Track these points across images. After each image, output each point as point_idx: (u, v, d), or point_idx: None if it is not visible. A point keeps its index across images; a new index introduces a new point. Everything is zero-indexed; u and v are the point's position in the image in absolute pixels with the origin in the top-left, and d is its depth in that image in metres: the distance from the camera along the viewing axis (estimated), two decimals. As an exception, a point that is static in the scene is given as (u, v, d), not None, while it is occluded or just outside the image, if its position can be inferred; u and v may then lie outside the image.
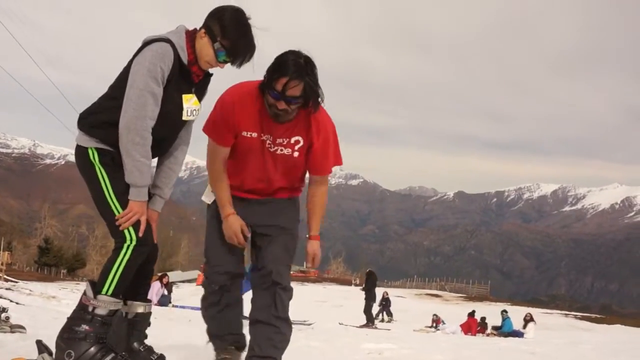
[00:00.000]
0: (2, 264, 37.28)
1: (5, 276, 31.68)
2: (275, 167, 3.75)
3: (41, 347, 3.09)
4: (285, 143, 3.69)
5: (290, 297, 3.86)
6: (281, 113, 3.51)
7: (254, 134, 3.67)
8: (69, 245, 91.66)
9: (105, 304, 3.11)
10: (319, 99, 3.57)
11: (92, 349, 3.05)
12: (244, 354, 3.87)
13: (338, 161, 3.91)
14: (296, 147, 3.71)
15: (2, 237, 64.34)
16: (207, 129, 3.77)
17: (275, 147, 3.70)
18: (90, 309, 3.10)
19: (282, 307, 3.78)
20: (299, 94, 3.44)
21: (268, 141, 3.69)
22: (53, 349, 3.12)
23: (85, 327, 3.07)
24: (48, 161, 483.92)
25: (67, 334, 3.08)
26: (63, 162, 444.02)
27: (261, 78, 3.54)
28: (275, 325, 3.77)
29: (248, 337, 3.92)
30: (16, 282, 24.27)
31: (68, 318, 3.17)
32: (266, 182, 3.81)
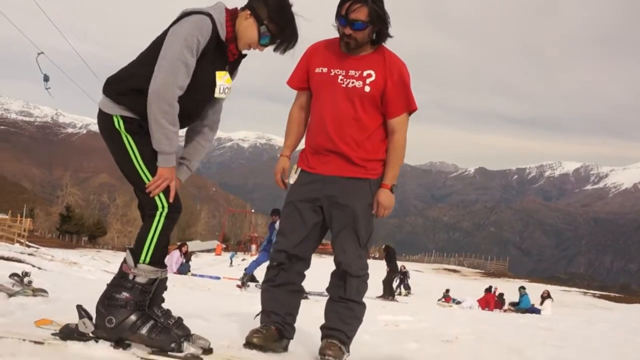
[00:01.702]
0: (24, 231, 37.81)
1: (27, 242, 32.11)
2: (345, 104, 3.73)
3: (81, 312, 3.12)
4: (357, 75, 3.72)
5: (361, 283, 3.90)
6: (351, 42, 3.63)
7: (324, 69, 3.78)
8: (90, 213, 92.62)
9: (145, 272, 3.15)
10: (386, 30, 3.66)
11: (133, 316, 3.10)
12: (286, 342, 3.90)
13: (412, 106, 3.86)
14: (367, 81, 3.71)
15: (24, 205, 65.21)
16: (288, 80, 3.98)
17: (347, 81, 3.72)
18: (130, 277, 3.14)
19: (351, 290, 3.84)
20: (363, 18, 3.53)
21: (340, 76, 3.74)
22: (93, 314, 3.16)
23: (125, 294, 3.11)
24: (70, 130, 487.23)
25: (108, 301, 3.12)
26: (85, 132, 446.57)
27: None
28: (343, 302, 3.87)
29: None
30: (38, 248, 24.60)
31: (108, 285, 3.22)
32: (334, 132, 3.75)
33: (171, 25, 3.24)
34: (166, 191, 3.20)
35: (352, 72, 3.73)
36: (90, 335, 3.07)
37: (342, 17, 3.56)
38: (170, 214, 3.20)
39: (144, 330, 3.08)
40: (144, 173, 3.19)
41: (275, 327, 3.83)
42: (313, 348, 3.93)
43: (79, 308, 3.12)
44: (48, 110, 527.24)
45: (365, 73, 3.71)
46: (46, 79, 16.98)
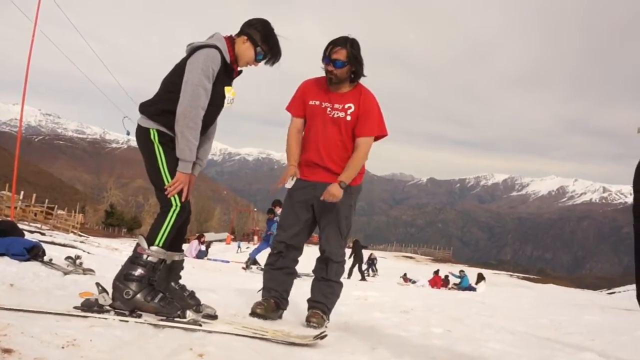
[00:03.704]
0: (77, 223, 37.52)
1: (79, 232, 31.81)
2: (332, 129, 3.78)
3: (100, 287, 3.07)
4: (340, 108, 3.77)
5: (340, 267, 3.94)
6: (332, 77, 3.67)
7: (317, 102, 3.81)
8: (129, 210, 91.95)
9: (157, 253, 3.10)
10: (361, 69, 3.71)
11: (146, 288, 3.06)
12: (281, 312, 3.91)
13: (382, 131, 3.86)
14: (349, 112, 3.76)
15: (77, 203, 64.55)
16: (287, 106, 3.95)
17: (333, 112, 3.77)
18: (145, 257, 3.09)
19: (332, 272, 3.89)
20: (343, 58, 3.60)
21: (328, 108, 3.78)
22: (109, 289, 3.11)
23: (140, 271, 3.06)
24: (114, 145, 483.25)
25: (125, 276, 3.07)
26: (126, 147, 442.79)
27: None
28: (325, 281, 3.90)
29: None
30: (87, 237, 24.34)
31: (124, 264, 3.16)
32: (324, 150, 3.78)
33: (186, 59, 3.25)
34: (180, 194, 3.19)
35: (337, 105, 3.77)
36: (108, 307, 3.01)
37: (327, 57, 3.64)
38: (180, 212, 3.18)
39: (155, 301, 3.04)
40: (166, 176, 3.17)
41: (274, 300, 3.85)
42: (301, 316, 3.93)
43: (98, 285, 3.06)
44: (97, 129, 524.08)
45: (346, 106, 3.76)
46: (128, 133, 17.41)
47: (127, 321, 2.86)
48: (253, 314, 3.70)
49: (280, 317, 3.89)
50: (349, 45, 3.62)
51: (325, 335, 3.01)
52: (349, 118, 3.75)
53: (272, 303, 3.82)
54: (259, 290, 4.04)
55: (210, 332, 2.88)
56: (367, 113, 3.77)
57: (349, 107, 3.76)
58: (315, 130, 3.83)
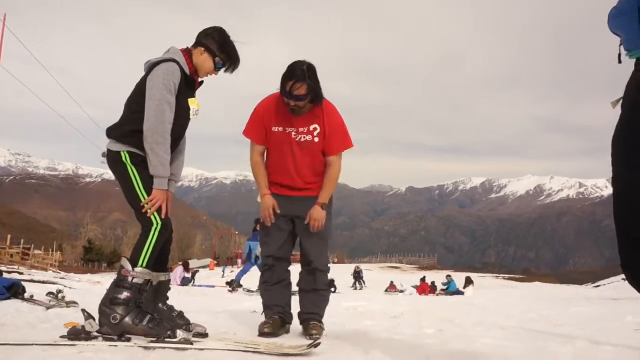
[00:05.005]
0: (55, 261, 36.91)
1: (57, 270, 31.26)
2: (301, 154, 3.77)
3: (86, 314, 3.03)
4: (306, 131, 3.75)
5: (326, 275, 3.96)
6: (295, 108, 3.65)
7: (280, 128, 3.77)
8: (108, 244, 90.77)
9: (142, 274, 3.08)
10: (321, 95, 3.68)
11: (134, 311, 3.03)
12: (288, 327, 3.92)
13: (347, 144, 3.86)
14: (315, 134, 3.76)
15: (54, 241, 63.60)
16: (245, 132, 3.87)
17: (299, 136, 3.76)
18: (129, 279, 3.06)
19: (320, 282, 3.92)
20: (304, 93, 3.57)
21: (293, 133, 3.75)
22: (95, 316, 3.07)
23: (126, 294, 3.04)
24: (88, 180, 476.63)
25: (111, 301, 3.03)
26: (100, 180, 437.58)
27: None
28: (315, 292, 3.91)
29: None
30: (66, 274, 23.91)
31: (109, 288, 3.12)
32: (297, 175, 3.81)
33: (145, 77, 3.25)
34: (159, 211, 3.17)
35: (302, 129, 3.75)
36: (96, 333, 2.97)
37: (288, 93, 3.59)
38: (162, 230, 3.17)
39: (144, 323, 3.01)
40: (143, 196, 3.17)
41: (279, 316, 3.85)
42: (293, 329, 3.93)
43: (84, 311, 3.02)
44: (70, 165, 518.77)
45: (312, 128, 3.75)
46: (104, 155, 17.28)
47: (116, 346, 2.83)
48: (262, 334, 3.67)
49: (287, 331, 3.91)
50: (308, 78, 3.57)
51: (319, 344, 3.01)
52: (316, 140, 3.76)
53: (278, 319, 3.83)
54: (253, 311, 4.03)
55: (202, 349, 2.85)
56: (333, 130, 3.78)
57: (315, 129, 3.75)
58: (283, 156, 3.82)
